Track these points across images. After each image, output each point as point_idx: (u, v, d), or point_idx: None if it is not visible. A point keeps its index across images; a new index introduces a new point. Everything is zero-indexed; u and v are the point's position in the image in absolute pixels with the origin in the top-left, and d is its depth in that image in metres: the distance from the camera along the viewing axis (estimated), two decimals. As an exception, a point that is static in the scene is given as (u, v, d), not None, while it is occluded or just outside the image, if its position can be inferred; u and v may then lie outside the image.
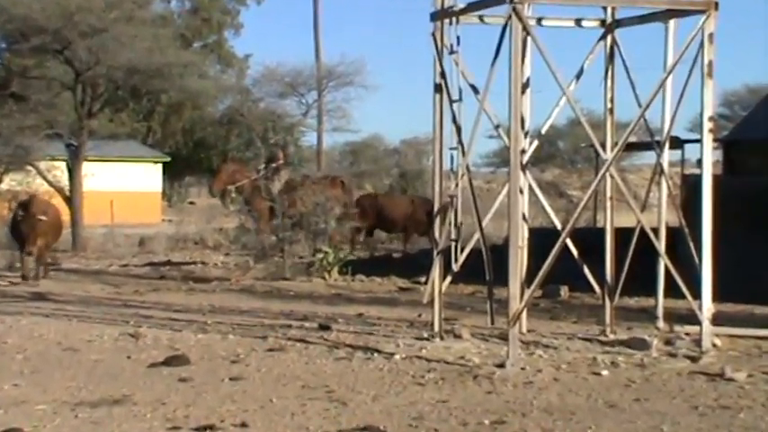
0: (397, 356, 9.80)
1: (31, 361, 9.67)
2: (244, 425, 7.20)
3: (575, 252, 10.92)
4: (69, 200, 28.24)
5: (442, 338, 10.77)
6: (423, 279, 16.77)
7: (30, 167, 29.76)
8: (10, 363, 9.59)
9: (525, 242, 10.97)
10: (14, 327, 11.81)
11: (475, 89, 10.65)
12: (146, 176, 43.37)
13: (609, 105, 11.16)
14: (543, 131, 11.64)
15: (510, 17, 9.49)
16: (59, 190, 28.68)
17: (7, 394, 8.15)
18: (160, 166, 44.44)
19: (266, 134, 21.95)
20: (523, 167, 10.41)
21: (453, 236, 10.79)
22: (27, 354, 10.06)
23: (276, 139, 20.28)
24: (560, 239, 9.82)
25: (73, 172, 28.42)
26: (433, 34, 10.80)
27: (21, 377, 8.85)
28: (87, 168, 29.33)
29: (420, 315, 12.58)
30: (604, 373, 9.11)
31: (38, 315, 12.80)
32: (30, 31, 26.30)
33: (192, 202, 49.60)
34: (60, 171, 29.97)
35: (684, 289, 10.30)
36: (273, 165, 19.74)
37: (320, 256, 18.29)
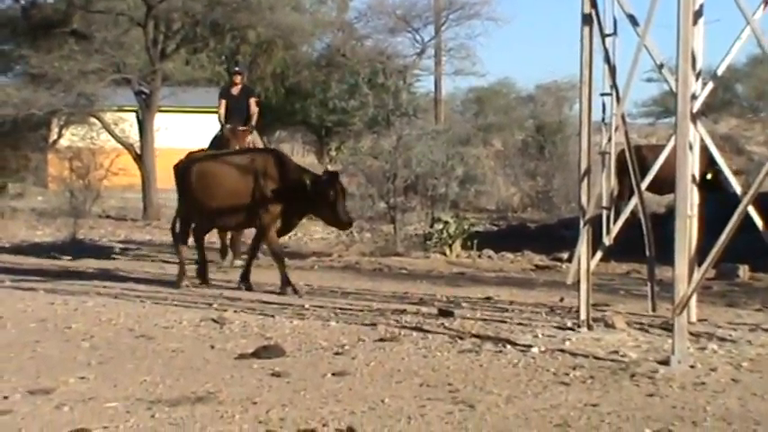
0: (535, 349, 9.79)
1: (99, 350, 9.94)
2: (351, 430, 7.28)
3: (758, 223, 10.70)
4: (140, 158, 28.80)
5: (590, 328, 10.71)
6: (565, 255, 16.80)
7: (94, 120, 30.40)
8: (75, 352, 9.88)
9: (695, 210, 10.79)
10: (80, 309, 12.15)
11: (633, 20, 10.47)
12: (229, 130, 43.88)
13: (803, 39, 10.86)
14: (719, 72, 11.39)
15: (678, -71, 9.30)
16: (128, 147, 29.27)
17: (73, 389, 8.39)
18: (246, 117, 44.99)
19: (374, 79, 22.00)
20: (694, 117, 10.23)
21: (605, 202, 10.69)
22: (94, 342, 10.35)
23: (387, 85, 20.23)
24: (740, 207, 9.62)
25: (144, 125, 28.93)
26: (581, -49, 10.66)
27: (88, 369, 9.11)
28: (160, 121, 29.81)
29: (562, 299, 12.55)
30: (796, 373, 8.95)
31: (105, 296, 13.14)
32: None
33: (284, 161, 50.20)
34: (129, 124, 30.53)
35: None
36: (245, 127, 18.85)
37: (439, 226, 18.35)
